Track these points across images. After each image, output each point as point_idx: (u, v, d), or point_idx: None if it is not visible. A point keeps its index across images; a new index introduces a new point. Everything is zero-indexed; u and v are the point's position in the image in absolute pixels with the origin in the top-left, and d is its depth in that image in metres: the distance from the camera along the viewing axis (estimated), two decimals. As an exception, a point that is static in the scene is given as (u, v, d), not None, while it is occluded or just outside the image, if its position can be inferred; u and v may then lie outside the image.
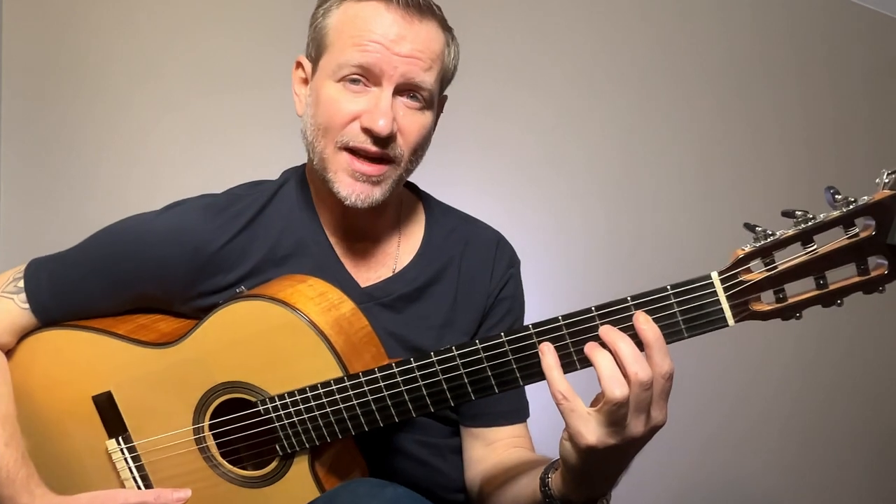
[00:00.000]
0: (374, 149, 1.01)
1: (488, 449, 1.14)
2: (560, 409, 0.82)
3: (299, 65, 1.09)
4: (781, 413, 2.25)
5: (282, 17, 1.98)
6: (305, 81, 1.08)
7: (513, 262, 1.19)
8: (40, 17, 1.93)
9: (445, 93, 1.12)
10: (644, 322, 0.80)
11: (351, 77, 0.99)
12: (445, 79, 1.07)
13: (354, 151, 1.01)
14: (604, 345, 0.82)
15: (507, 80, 2.13)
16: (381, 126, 0.98)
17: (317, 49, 1.04)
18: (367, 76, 0.99)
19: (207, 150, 1.99)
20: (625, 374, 0.79)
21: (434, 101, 1.05)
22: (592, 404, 0.83)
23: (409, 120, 1.02)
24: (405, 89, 1.01)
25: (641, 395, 0.78)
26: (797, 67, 2.30)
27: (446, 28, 1.05)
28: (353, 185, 1.02)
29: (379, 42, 0.98)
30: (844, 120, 2.32)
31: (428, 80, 1.01)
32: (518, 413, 1.17)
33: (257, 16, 2.03)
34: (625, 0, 2.22)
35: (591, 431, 0.81)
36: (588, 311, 0.84)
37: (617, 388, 0.78)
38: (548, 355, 0.84)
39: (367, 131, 1.00)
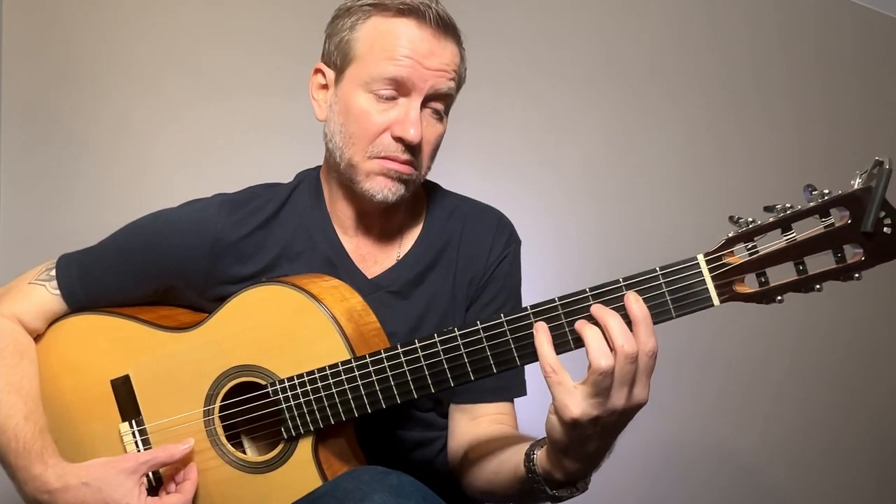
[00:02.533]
0: (404, 156, 1.09)
1: (472, 423, 1.17)
2: (548, 382, 0.87)
3: (318, 71, 1.16)
4: (790, 407, 2.26)
5: (289, 22, 2.02)
6: (324, 87, 1.16)
7: (512, 239, 1.24)
8: (41, 17, 1.96)
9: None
10: (633, 301, 0.86)
11: (383, 90, 1.08)
12: (459, 87, 1.16)
13: (385, 158, 1.10)
14: (595, 323, 0.87)
15: (501, 79, 2.18)
16: (413, 135, 1.07)
17: (343, 59, 1.11)
18: (398, 88, 1.08)
19: (212, 152, 2.02)
20: (612, 347, 0.84)
21: (450, 109, 1.15)
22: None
23: (430, 130, 1.11)
24: (430, 100, 1.10)
25: (626, 367, 0.83)
26: (793, 66, 2.35)
27: (461, 43, 1.14)
28: (386, 183, 1.10)
29: (411, 57, 1.07)
30: (841, 119, 2.35)
31: (451, 89, 1.11)
32: (505, 391, 1.19)
33: (264, 18, 2.07)
34: (617, -1, 2.29)
35: (576, 404, 0.85)
36: (583, 292, 0.89)
37: (603, 359, 0.83)
38: (540, 332, 0.89)
39: (398, 140, 1.08)
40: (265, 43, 2.06)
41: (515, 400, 1.22)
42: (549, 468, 0.93)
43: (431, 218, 1.22)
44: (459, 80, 1.14)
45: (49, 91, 1.97)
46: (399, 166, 1.10)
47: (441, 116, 1.13)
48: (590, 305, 0.89)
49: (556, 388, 0.86)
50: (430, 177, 1.21)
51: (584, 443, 0.88)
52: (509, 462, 1.01)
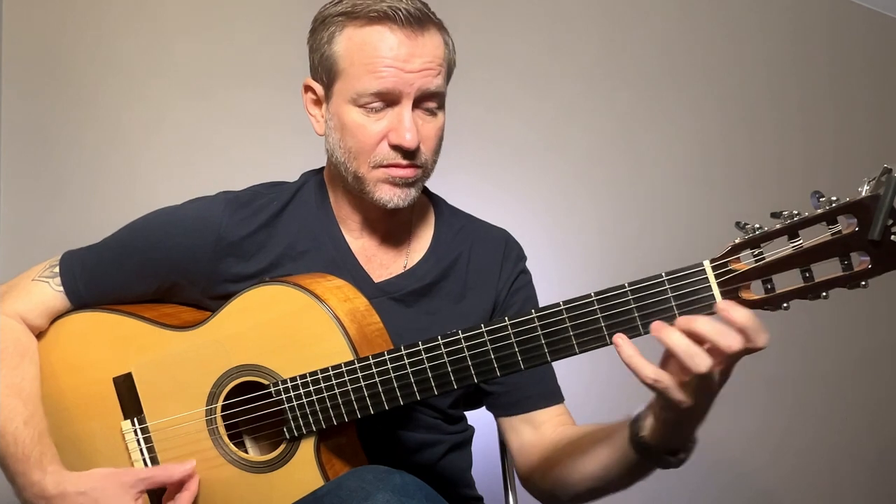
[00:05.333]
0: (405, 162, 1.09)
1: (538, 432, 1.17)
2: (655, 391, 0.86)
3: (308, 88, 1.15)
4: (785, 409, 2.26)
5: (285, 15, 2.03)
6: (317, 102, 1.15)
7: (520, 257, 1.25)
8: (40, 17, 1.96)
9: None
10: (730, 307, 0.83)
11: (372, 104, 1.07)
12: (450, 73, 1.14)
13: (388, 166, 1.10)
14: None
15: (509, 74, 2.18)
16: (409, 140, 1.06)
17: (328, 75, 1.10)
18: (385, 99, 1.07)
19: (210, 150, 2.02)
20: (714, 348, 0.82)
21: (444, 99, 1.13)
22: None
23: (428, 127, 1.10)
24: (421, 100, 1.08)
25: (729, 360, 0.83)
26: (798, 67, 2.33)
27: (442, 27, 1.11)
28: (393, 190, 1.10)
29: (392, 66, 1.04)
30: (845, 121, 2.34)
31: (440, 84, 1.09)
32: (557, 394, 1.20)
33: (260, 14, 2.07)
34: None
35: (690, 396, 0.85)
36: (587, 296, 0.89)
37: (702, 363, 0.81)
38: (625, 346, 0.86)
39: (396, 147, 1.08)
40: (263, 41, 2.05)
41: None
42: (666, 442, 0.93)
43: (440, 234, 1.23)
44: (449, 68, 1.13)
45: (48, 91, 1.97)
46: (403, 172, 1.09)
47: (436, 110, 1.11)
48: (595, 310, 0.88)
49: (666, 392, 0.85)
50: (436, 186, 1.21)
51: (700, 413, 0.89)
52: (614, 453, 1.00)
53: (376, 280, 1.16)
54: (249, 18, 2.08)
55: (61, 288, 1.16)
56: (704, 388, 0.85)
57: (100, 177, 1.98)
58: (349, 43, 1.07)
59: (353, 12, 1.07)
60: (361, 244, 1.18)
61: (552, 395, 1.20)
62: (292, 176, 1.26)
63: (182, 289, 1.16)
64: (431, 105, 1.10)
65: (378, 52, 1.05)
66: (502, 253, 1.23)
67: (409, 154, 1.08)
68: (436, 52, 1.08)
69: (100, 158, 1.99)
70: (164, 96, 2.02)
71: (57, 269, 1.17)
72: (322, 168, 1.24)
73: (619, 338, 0.87)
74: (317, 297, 1.03)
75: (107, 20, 2.02)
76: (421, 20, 1.07)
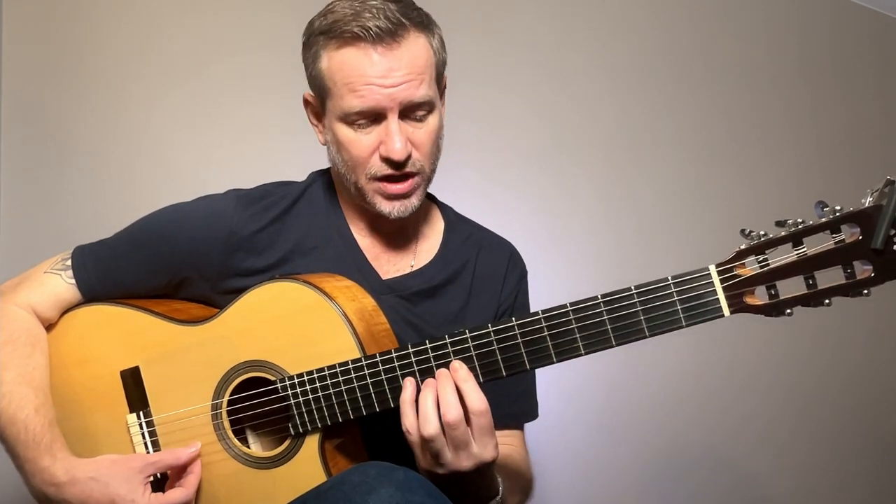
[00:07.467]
0: (398, 173, 1.11)
1: None
2: (407, 441, 0.98)
3: (307, 102, 1.18)
4: (790, 415, 2.26)
5: (286, 12, 1.98)
6: (317, 115, 1.18)
7: (523, 273, 1.29)
8: (40, 17, 1.98)
9: (445, 73, 1.18)
10: (458, 368, 0.95)
11: (358, 121, 1.09)
12: (439, 72, 1.15)
13: (382, 178, 1.12)
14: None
15: (515, 75, 2.19)
16: (398, 151, 1.08)
17: (319, 92, 1.13)
18: (369, 116, 1.09)
19: (211, 149, 2.04)
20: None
21: (435, 102, 1.12)
22: None
23: (420, 133, 1.11)
24: (407, 110, 1.09)
25: (450, 433, 0.93)
26: (802, 69, 2.36)
27: (423, 26, 1.10)
28: (392, 204, 1.13)
29: (371, 83, 1.05)
30: (849, 122, 2.36)
31: (425, 92, 1.09)
32: (510, 418, 1.22)
33: (262, 12, 2.09)
34: (633, -1, 2.32)
35: (420, 460, 0.98)
36: (594, 298, 0.91)
37: (409, 434, 0.96)
38: (407, 389, 0.97)
39: (386, 160, 1.10)
40: (264, 38, 2.07)
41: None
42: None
43: (448, 239, 1.25)
44: (437, 69, 1.13)
45: (49, 90, 1.98)
46: (396, 188, 1.12)
47: (426, 115, 1.12)
48: (601, 312, 0.90)
49: (412, 447, 0.98)
50: (439, 186, 1.24)
51: (455, 486, 0.97)
52: None
53: (384, 277, 1.18)
54: (251, 16, 2.10)
55: (73, 280, 1.17)
56: (433, 461, 0.95)
57: (100, 176, 1.99)
58: (330, 63, 1.09)
59: (331, 31, 1.08)
60: (369, 242, 1.21)
61: (505, 419, 1.21)
62: (296, 175, 1.28)
63: (192, 283, 1.17)
64: (419, 113, 1.11)
65: (355, 72, 1.07)
66: (506, 267, 1.26)
67: (401, 164, 1.10)
68: (415, 60, 1.08)
69: (100, 157, 2.00)
70: (165, 94, 2.03)
71: (69, 262, 1.19)
72: (329, 168, 1.26)
73: (408, 380, 0.98)
74: (326, 294, 1.05)
75: (107, 19, 2.04)
76: (394, 31, 1.06)
